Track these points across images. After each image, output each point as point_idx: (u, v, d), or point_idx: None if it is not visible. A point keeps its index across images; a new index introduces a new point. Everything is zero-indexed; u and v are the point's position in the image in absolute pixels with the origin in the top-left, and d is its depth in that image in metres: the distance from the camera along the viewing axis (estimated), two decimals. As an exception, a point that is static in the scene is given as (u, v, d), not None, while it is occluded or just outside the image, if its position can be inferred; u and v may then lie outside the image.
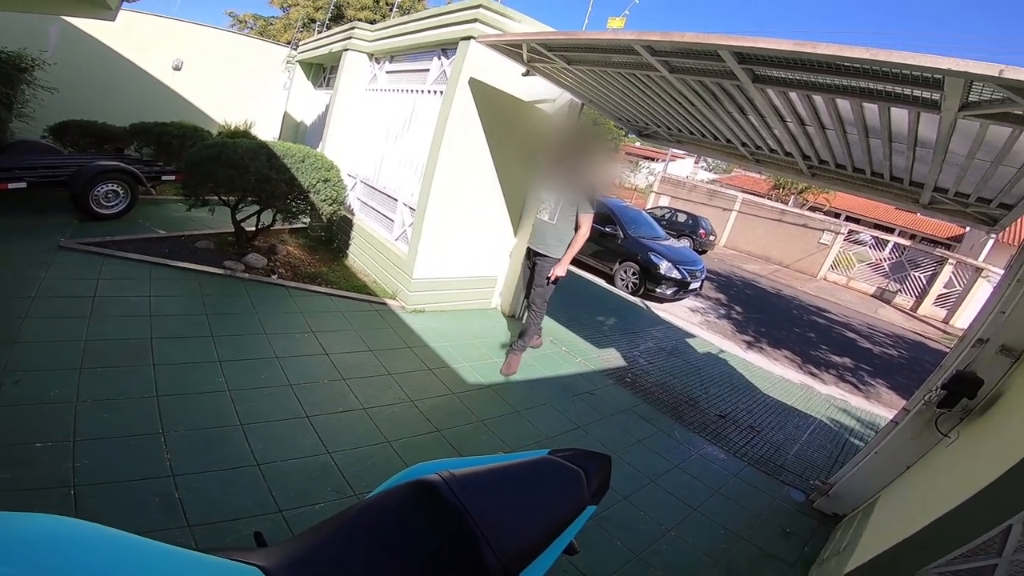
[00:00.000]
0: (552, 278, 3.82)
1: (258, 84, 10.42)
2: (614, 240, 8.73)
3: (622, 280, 8.57)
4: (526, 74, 3.81)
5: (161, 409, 2.47)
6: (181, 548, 0.72)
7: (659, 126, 4.27)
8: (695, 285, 8.71)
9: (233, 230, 4.90)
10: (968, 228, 15.85)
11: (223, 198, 4.60)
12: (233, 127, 7.18)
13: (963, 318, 13.50)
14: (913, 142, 2.31)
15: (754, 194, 21.65)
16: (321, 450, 2.53)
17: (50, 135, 6.73)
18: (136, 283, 3.77)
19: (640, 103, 3.64)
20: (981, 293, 13.15)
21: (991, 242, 16.59)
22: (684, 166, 29.89)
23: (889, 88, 1.87)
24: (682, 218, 17.27)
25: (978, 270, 13.96)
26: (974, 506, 1.72)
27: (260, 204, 4.67)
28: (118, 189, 5.19)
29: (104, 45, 8.42)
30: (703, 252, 16.12)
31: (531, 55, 3.43)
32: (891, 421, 3.08)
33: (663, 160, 27.55)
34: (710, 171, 31.51)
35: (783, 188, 23.40)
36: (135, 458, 2.13)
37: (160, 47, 9.06)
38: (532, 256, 4.01)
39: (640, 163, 28.27)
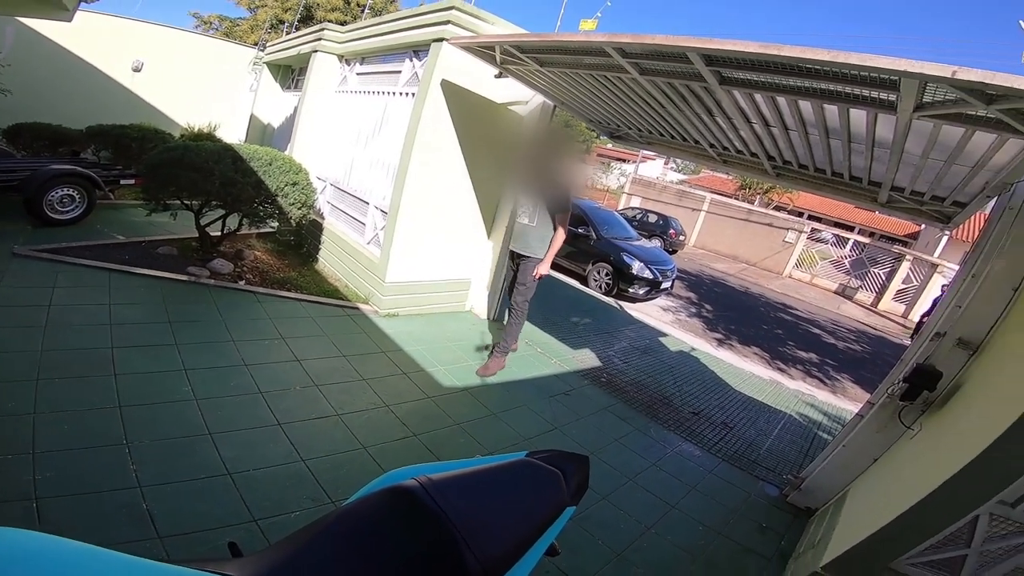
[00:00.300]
0: (536, 276, 3.86)
1: (223, 86, 10.17)
2: (587, 241, 8.81)
3: (595, 281, 8.65)
4: (499, 76, 3.81)
5: (124, 419, 2.38)
6: (152, 560, 0.69)
7: (630, 128, 4.33)
8: (666, 284, 8.86)
9: (197, 235, 4.74)
10: (923, 226, 16.58)
11: (186, 202, 4.45)
12: (197, 129, 6.97)
13: (921, 312, 14.07)
14: (871, 142, 2.39)
15: (722, 194, 22.17)
16: (295, 457, 2.48)
17: (2, 138, 6.42)
18: (95, 291, 3.62)
19: (611, 105, 3.69)
20: (937, 288, 13.75)
21: (945, 239, 17.40)
22: (654, 167, 30.40)
23: (848, 89, 1.93)
24: (653, 218, 17.56)
25: (934, 266, 14.60)
26: (938, 498, 1.75)
27: (225, 208, 4.54)
28: (73, 194, 4.97)
29: (61, 47, 8.10)
30: (673, 252, 16.40)
31: (504, 57, 3.43)
32: (856, 415, 3.16)
33: (634, 162, 27.96)
34: (679, 172, 32.16)
35: (749, 188, 24.03)
36: (99, 470, 2.06)
37: (119, 48, 8.76)
38: (515, 258, 4.06)
39: (612, 164, 28.65)
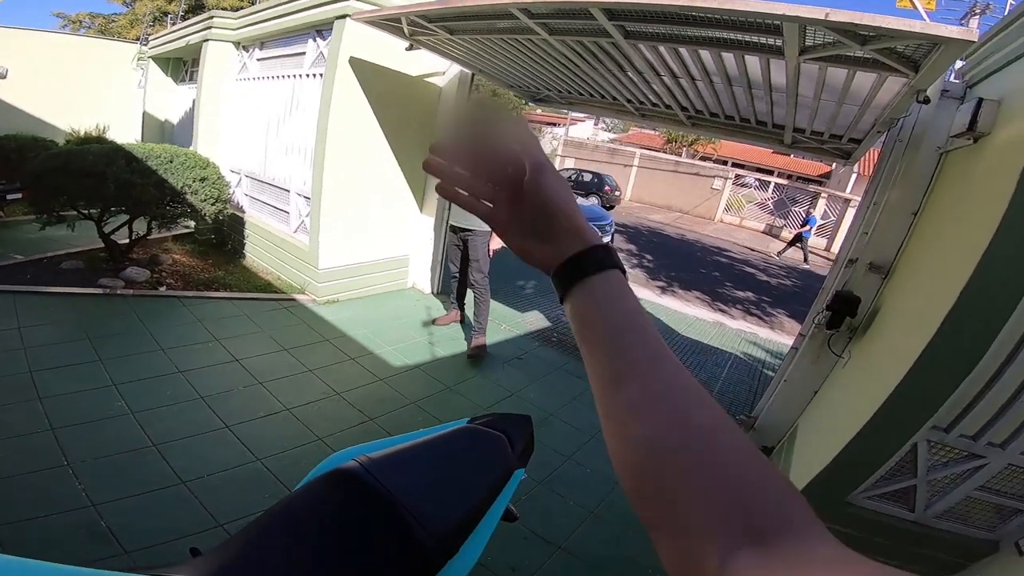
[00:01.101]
0: (490, 252, 3.89)
1: (106, 86, 9.43)
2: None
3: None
4: (409, 48, 3.67)
5: (60, 441, 2.28)
6: (99, 570, 0.66)
7: (550, 90, 4.32)
8: (606, 239, 9.04)
9: (103, 245, 4.39)
10: (833, 165, 17.69)
11: (83, 211, 4.09)
12: (83, 133, 6.34)
13: (840, 245, 15.17)
14: (768, 87, 2.51)
15: (651, 149, 22.70)
16: (250, 458, 2.44)
17: None
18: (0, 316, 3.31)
19: (528, 68, 3.65)
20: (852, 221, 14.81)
21: (854, 176, 18.64)
22: (585, 129, 30.60)
23: (740, 37, 2.01)
24: (587, 177, 17.82)
25: (846, 201, 15.70)
26: (874, 428, 1.79)
27: (129, 212, 4.21)
28: (-45, 216, 4.47)
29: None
30: (611, 207, 16.77)
31: (412, 28, 3.31)
32: (791, 348, 3.32)
33: (564, 125, 28.02)
34: (609, 131, 32.54)
35: (675, 142, 24.69)
36: (46, 493, 1.99)
37: None
38: (459, 234, 3.95)
39: (543, 129, 28.59)
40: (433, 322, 4.31)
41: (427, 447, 1.20)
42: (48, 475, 2.08)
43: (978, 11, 9.37)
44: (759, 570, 0.27)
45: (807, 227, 13.74)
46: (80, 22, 20.62)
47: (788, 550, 0.28)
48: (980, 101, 1.87)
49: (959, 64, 2.53)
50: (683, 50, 2.36)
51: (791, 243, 13.85)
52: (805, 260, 13.63)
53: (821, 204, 16.38)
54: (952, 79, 2.60)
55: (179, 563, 0.85)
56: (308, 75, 4.69)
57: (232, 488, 2.23)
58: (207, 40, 6.05)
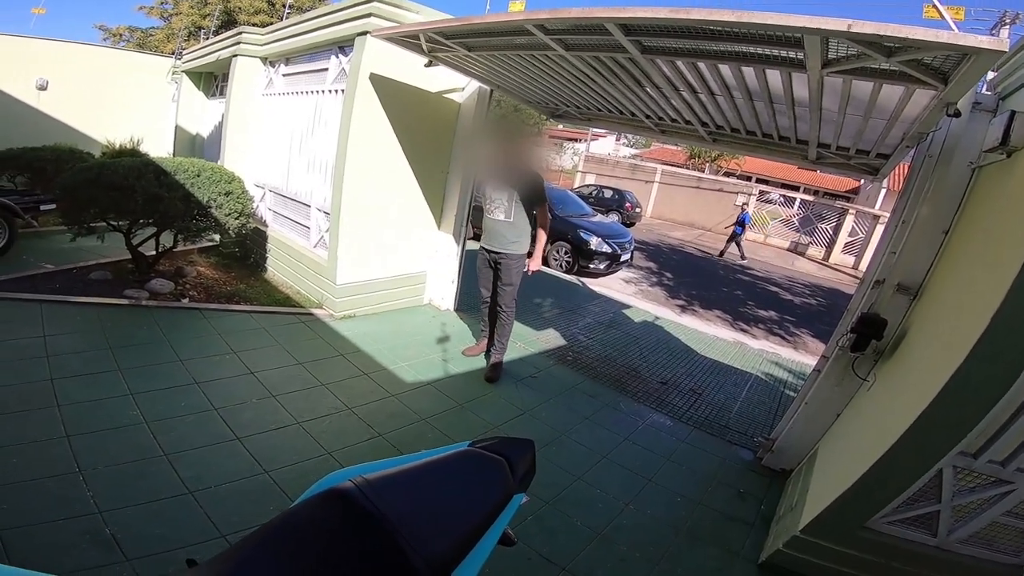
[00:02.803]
0: (529, 272, 3.82)
1: (142, 98, 9.68)
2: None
3: (555, 260, 8.70)
4: (428, 65, 3.72)
5: (74, 449, 2.32)
6: None
7: (568, 106, 4.31)
8: (626, 257, 9.00)
9: (130, 256, 4.51)
10: (865, 182, 17.31)
11: (112, 223, 4.21)
12: (118, 146, 6.59)
13: (868, 262, 14.82)
14: (791, 102, 2.45)
15: (673, 165, 22.59)
16: (258, 470, 2.44)
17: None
18: (26, 324, 3.40)
19: (546, 84, 3.66)
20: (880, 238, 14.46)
21: (883, 191, 18.22)
22: (606, 144, 30.66)
23: (761, 50, 1.97)
24: (608, 194, 17.78)
25: (876, 217, 15.31)
26: (898, 453, 1.72)
27: (156, 225, 4.32)
28: (-7, 226, 4.65)
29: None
30: (631, 224, 16.65)
31: (430, 45, 3.35)
32: (814, 370, 3.19)
33: (585, 140, 28.12)
34: (631, 147, 32.52)
35: (698, 157, 24.55)
36: (55, 499, 2.02)
37: (20, 68, 8.19)
38: (491, 255, 3.82)
39: (564, 144, 28.74)
40: (462, 352, 4.21)
41: (426, 470, 1.19)
42: (60, 481, 2.11)
43: (1008, 20, 9.07)
44: None
45: (742, 225, 13.96)
46: (120, 35, 21.50)
47: None
48: (1013, 114, 1.78)
49: (990, 75, 2.44)
50: (702, 64, 2.32)
51: (729, 242, 14.19)
52: (742, 257, 14.03)
53: (849, 220, 16.01)
54: (984, 91, 2.50)
55: (174, 574, 0.84)
56: (330, 91, 4.78)
57: (238, 499, 2.23)
58: (236, 55, 6.23)
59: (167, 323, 3.82)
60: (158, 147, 9.14)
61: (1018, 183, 1.81)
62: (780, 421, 3.44)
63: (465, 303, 5.26)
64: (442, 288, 5.23)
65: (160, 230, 4.42)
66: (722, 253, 14.20)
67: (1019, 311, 1.42)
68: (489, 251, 3.82)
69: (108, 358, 3.17)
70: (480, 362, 4.10)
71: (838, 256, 16.23)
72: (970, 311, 1.69)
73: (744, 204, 15.20)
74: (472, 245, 4.74)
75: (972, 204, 2.33)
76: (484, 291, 4.03)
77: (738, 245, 14.06)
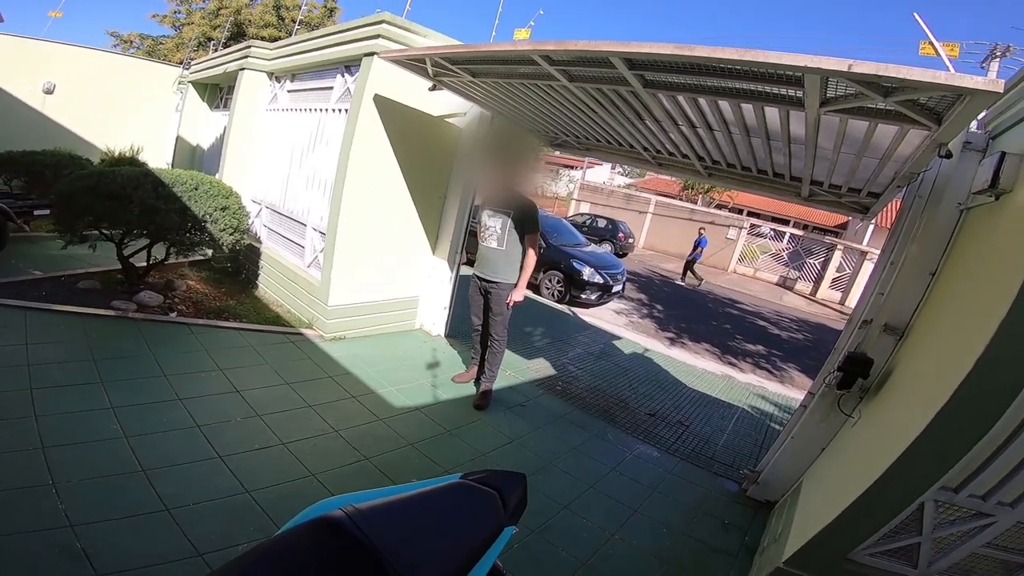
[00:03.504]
0: (510, 304, 3.74)
1: (146, 107, 9.65)
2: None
3: (547, 289, 8.71)
4: (433, 88, 3.78)
5: (49, 461, 2.25)
6: None
7: (567, 135, 4.38)
8: (617, 288, 9.03)
9: (121, 267, 4.45)
10: (856, 219, 17.65)
11: (105, 232, 4.16)
12: (118, 154, 6.57)
13: (856, 298, 15.02)
14: (787, 139, 2.50)
15: (666, 196, 22.93)
16: (239, 489, 2.38)
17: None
18: (8, 330, 3.32)
19: (547, 113, 3.72)
20: (868, 275, 14.70)
21: (871, 227, 18.58)
22: (602, 172, 31.14)
23: (760, 88, 2.01)
24: (602, 223, 17.95)
25: (863, 253, 15.58)
26: (881, 487, 1.76)
27: (150, 237, 4.28)
28: (-16, 228, 4.58)
29: (-46, 70, 7.49)
30: (623, 255, 16.80)
31: (436, 69, 3.40)
32: (800, 405, 3.23)
33: (581, 168, 28.54)
34: (626, 176, 33.04)
35: (691, 188, 24.95)
36: (26, 510, 1.97)
37: (28, 70, 8.16)
38: (482, 283, 3.83)
39: (560, 172, 29.13)
40: (452, 379, 4.16)
41: (416, 501, 1.18)
42: (30, 493, 2.06)
43: (999, 53, 9.19)
44: None
45: (698, 249, 14.35)
46: (131, 42, 21.50)
47: None
48: (1003, 155, 1.82)
49: (982, 114, 2.51)
50: (702, 100, 2.37)
51: (686, 269, 14.56)
52: (700, 282, 14.48)
53: (837, 256, 16.27)
54: (975, 128, 2.56)
55: None
56: (334, 110, 4.82)
57: (217, 519, 2.17)
58: (243, 68, 6.27)
59: (153, 337, 3.74)
60: (158, 156, 9.13)
61: (1006, 226, 1.85)
62: (766, 454, 3.46)
63: (457, 329, 5.23)
64: (434, 313, 5.21)
65: (153, 242, 4.37)
66: (683, 277, 14.50)
67: (1004, 353, 1.45)
68: (481, 279, 3.82)
69: (91, 370, 3.10)
70: (470, 389, 4.06)
71: (825, 291, 16.43)
72: (955, 353, 1.72)
73: (702, 228, 15.51)
74: (466, 270, 4.74)
75: (959, 246, 2.37)
76: (475, 319, 4.01)
77: (692, 270, 14.38)
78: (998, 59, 9.16)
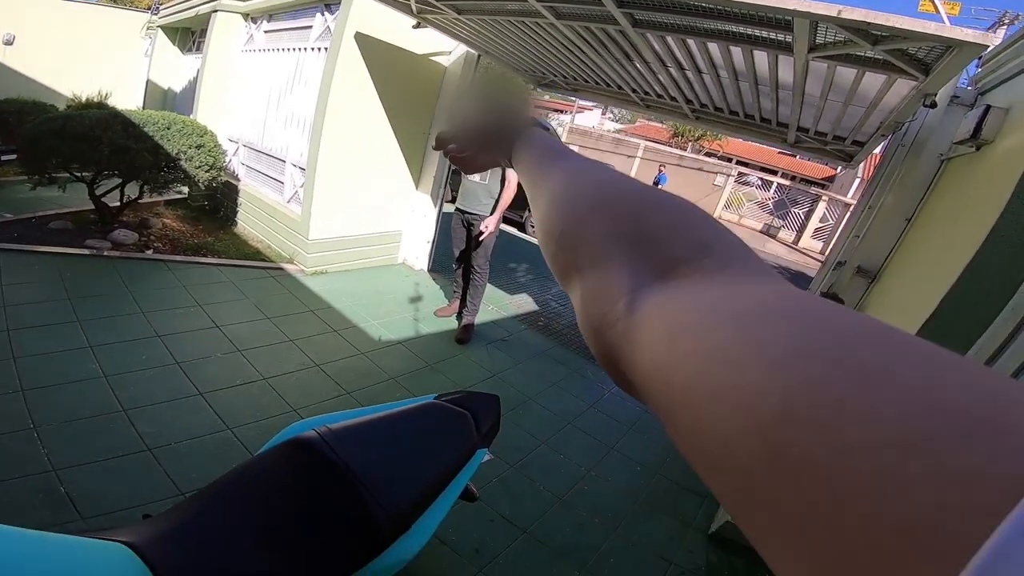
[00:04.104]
0: (487, 231, 3.72)
1: (113, 53, 9.36)
2: (522, 188, 8.77)
3: (532, 226, 8.69)
4: (417, 26, 3.60)
5: (29, 403, 2.23)
6: (38, 531, 0.65)
7: (555, 75, 4.25)
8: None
9: (93, 207, 4.32)
10: (839, 169, 17.58)
11: (75, 174, 4.03)
12: (85, 99, 6.30)
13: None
14: (775, 84, 2.47)
15: (657, 142, 22.54)
16: (220, 427, 2.39)
17: None
18: (-20, 274, 3.25)
19: (535, 52, 3.59)
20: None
21: (857, 181, 18.60)
22: (592, 117, 30.29)
23: (750, 31, 1.96)
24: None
25: (847, 205, 15.65)
26: None
27: (122, 176, 4.15)
28: (-51, 174, 4.40)
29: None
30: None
31: (420, 6, 3.24)
32: None
33: (571, 112, 27.75)
34: (616, 122, 32.24)
35: (682, 136, 24.53)
36: (7, 456, 1.95)
37: None
38: (465, 216, 3.83)
39: (550, 115, 28.30)
40: (434, 313, 4.22)
41: (390, 421, 1.20)
42: (13, 438, 2.04)
43: (1007, 21, 9.13)
44: (660, 296, 0.23)
45: (658, 186, 14.01)
46: None
47: (699, 275, 0.23)
48: (987, 108, 1.84)
49: (975, 71, 2.50)
50: (691, 42, 2.31)
51: None
52: None
53: (821, 207, 16.37)
54: (967, 87, 2.57)
55: (127, 526, 0.83)
56: (313, 48, 4.63)
57: (199, 456, 2.19)
58: (216, 10, 5.94)
59: (129, 274, 3.69)
60: (128, 101, 8.73)
61: (983, 174, 1.88)
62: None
63: (440, 264, 5.25)
64: (417, 248, 5.21)
65: (125, 181, 4.25)
66: None
67: (968, 294, 1.51)
68: (464, 211, 3.82)
69: (67, 309, 3.05)
70: (452, 323, 4.11)
71: (807, 241, 16.63)
72: (923, 294, 1.78)
73: (662, 166, 15.40)
74: (450, 208, 4.69)
75: (936, 194, 2.42)
76: (457, 251, 4.04)
77: None
78: (1005, 27, 9.02)
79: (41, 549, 0.65)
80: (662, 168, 14.81)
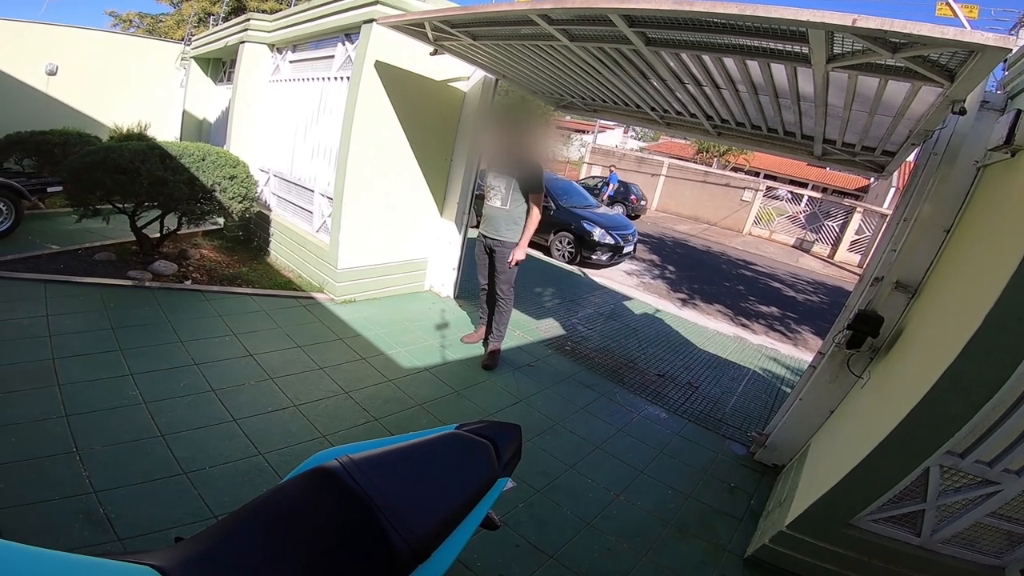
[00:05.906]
0: (513, 262, 3.73)
1: (150, 84, 9.78)
2: (547, 212, 8.82)
3: (558, 250, 8.71)
4: (434, 53, 3.71)
5: (72, 428, 2.34)
6: (68, 553, 0.68)
7: (573, 96, 4.29)
8: (628, 249, 8.99)
9: (135, 238, 4.54)
10: (873, 179, 17.11)
11: (117, 205, 4.24)
12: (126, 130, 6.63)
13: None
14: (796, 97, 2.43)
15: (680, 159, 22.40)
16: (252, 452, 2.46)
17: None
18: (29, 303, 3.43)
19: (551, 74, 3.63)
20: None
21: (892, 190, 18.03)
22: (614, 136, 30.42)
23: (765, 44, 1.95)
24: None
25: (883, 216, 15.17)
26: (886, 451, 1.73)
27: (161, 208, 4.35)
28: (0, 206, 4.69)
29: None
30: (636, 217, 16.59)
31: (436, 34, 3.33)
32: (809, 366, 3.19)
33: (592, 132, 27.91)
34: (638, 140, 32.26)
35: (707, 151, 24.33)
36: (51, 479, 2.03)
37: (29, 53, 8.25)
38: (486, 241, 3.83)
39: (572, 136, 28.52)
40: (460, 340, 4.23)
41: (411, 451, 1.21)
42: (56, 460, 2.13)
43: None
44: None
45: (610, 186, 14.15)
46: (130, 21, 21.49)
47: None
48: (1019, 112, 1.76)
49: (1002, 74, 2.41)
50: (706, 58, 2.30)
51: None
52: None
53: (856, 219, 15.90)
54: (995, 91, 2.47)
55: (156, 549, 0.86)
56: (336, 78, 4.77)
57: (231, 481, 2.26)
58: (244, 41, 6.21)
59: (169, 304, 3.85)
60: (165, 132, 9.25)
61: (1021, 183, 1.79)
62: (775, 416, 3.43)
63: (466, 290, 5.28)
64: (443, 275, 5.25)
65: (164, 213, 4.45)
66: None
67: (1013, 309, 1.42)
68: (486, 238, 3.83)
69: (110, 338, 3.20)
70: (478, 349, 4.12)
71: (844, 254, 16.14)
72: (966, 309, 1.69)
73: (612, 166, 15.13)
74: (474, 233, 4.74)
75: (975, 203, 2.31)
76: (481, 278, 4.05)
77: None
78: (1028, 27, 8.73)
79: (74, 572, 0.67)
80: (612, 168, 14.64)
